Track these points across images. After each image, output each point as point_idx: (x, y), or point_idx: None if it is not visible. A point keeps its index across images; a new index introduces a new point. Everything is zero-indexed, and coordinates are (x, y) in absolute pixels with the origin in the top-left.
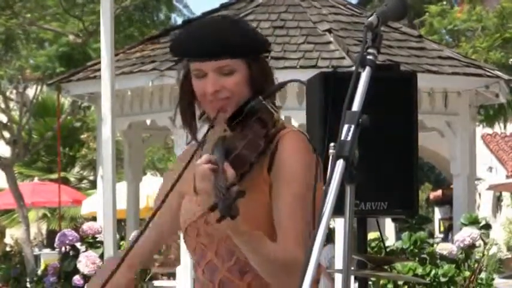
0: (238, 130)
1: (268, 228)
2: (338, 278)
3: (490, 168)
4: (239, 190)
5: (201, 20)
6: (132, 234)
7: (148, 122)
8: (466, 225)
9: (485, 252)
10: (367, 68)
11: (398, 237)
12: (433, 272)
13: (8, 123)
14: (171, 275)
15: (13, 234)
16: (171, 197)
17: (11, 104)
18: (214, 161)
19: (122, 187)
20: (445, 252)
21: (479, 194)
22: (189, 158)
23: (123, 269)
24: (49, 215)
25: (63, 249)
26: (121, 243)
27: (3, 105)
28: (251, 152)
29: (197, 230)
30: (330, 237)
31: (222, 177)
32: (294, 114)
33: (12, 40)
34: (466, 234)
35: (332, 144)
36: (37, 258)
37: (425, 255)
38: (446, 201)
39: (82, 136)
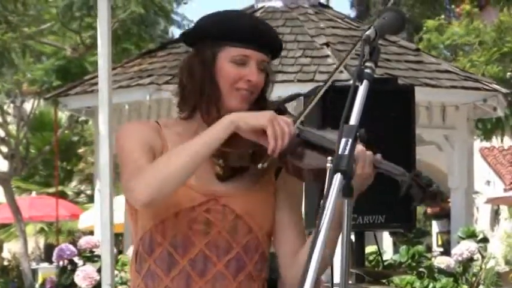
0: None
1: (272, 226)
2: None
3: (488, 182)
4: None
5: (241, 11)
6: (129, 248)
7: None
8: (463, 238)
9: (483, 266)
10: (365, 82)
11: (396, 251)
12: (431, 285)
13: (6, 138)
14: None
15: (11, 248)
16: (148, 153)
17: (8, 118)
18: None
19: (119, 201)
20: (442, 266)
21: (477, 208)
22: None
23: None
24: (47, 229)
25: (60, 263)
26: (119, 257)
27: (0, 120)
28: None
29: (193, 217)
30: None
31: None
32: None
33: (8, 54)
34: (464, 248)
35: (329, 158)
36: (35, 272)
37: (423, 269)
38: (444, 214)
39: (79, 150)
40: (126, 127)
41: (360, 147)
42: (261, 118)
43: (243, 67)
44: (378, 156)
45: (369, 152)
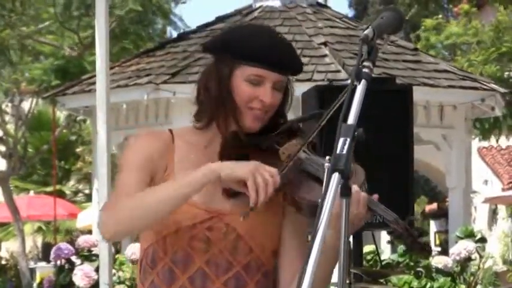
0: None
1: (277, 244)
2: None
3: (486, 182)
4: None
5: (264, 27)
6: (128, 247)
7: None
8: (461, 238)
9: (481, 266)
10: (363, 81)
11: (393, 250)
12: (429, 285)
13: (4, 137)
14: None
15: (8, 247)
16: (142, 176)
17: (7, 117)
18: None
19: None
20: (440, 266)
21: (475, 207)
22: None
23: None
24: (44, 228)
25: (58, 262)
26: (116, 256)
27: None
28: None
29: (194, 234)
30: None
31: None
32: None
33: (8, 51)
34: (461, 248)
35: (327, 157)
36: (32, 271)
37: (420, 269)
38: (441, 214)
39: (77, 149)
40: (136, 139)
41: (355, 187)
42: (242, 169)
43: (258, 87)
44: (375, 197)
45: (364, 194)
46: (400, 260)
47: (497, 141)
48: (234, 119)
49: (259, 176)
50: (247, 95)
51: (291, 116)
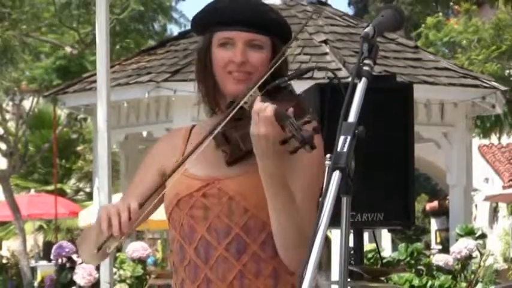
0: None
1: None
2: None
3: (487, 179)
4: (314, 126)
5: None
6: (128, 246)
7: (144, 133)
8: (461, 235)
9: (482, 263)
10: (363, 79)
11: (394, 248)
12: (430, 283)
13: (4, 135)
14: (168, 287)
15: (9, 246)
16: (147, 174)
17: (7, 116)
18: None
19: (118, 198)
20: (441, 264)
21: (476, 205)
22: (187, 135)
23: None
24: (45, 226)
25: (59, 261)
26: (117, 254)
27: None
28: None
29: (192, 203)
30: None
31: (289, 116)
32: None
33: (8, 51)
34: (462, 246)
35: (328, 155)
36: (33, 270)
37: (421, 267)
38: (442, 212)
39: (78, 148)
40: (156, 143)
41: (258, 100)
42: (100, 211)
43: (230, 50)
44: (290, 110)
45: (269, 105)
46: (401, 258)
47: (499, 139)
48: (219, 87)
49: (105, 213)
50: (221, 60)
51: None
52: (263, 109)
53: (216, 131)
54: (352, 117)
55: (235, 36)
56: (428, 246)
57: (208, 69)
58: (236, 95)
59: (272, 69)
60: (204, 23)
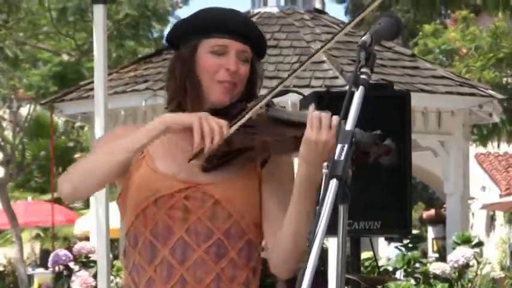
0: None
1: (258, 215)
2: None
3: (484, 188)
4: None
5: (219, 8)
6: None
7: None
8: (458, 244)
9: (479, 272)
10: (361, 88)
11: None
12: None
13: (1, 143)
14: None
15: (6, 253)
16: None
17: (4, 124)
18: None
19: (115, 206)
20: (438, 272)
21: (473, 214)
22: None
23: None
24: (42, 234)
25: (56, 269)
26: (114, 262)
27: None
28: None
29: (172, 203)
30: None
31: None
32: None
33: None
34: (459, 255)
35: (325, 163)
36: (30, 278)
37: (418, 275)
38: (439, 220)
39: (76, 156)
40: (108, 132)
41: (312, 107)
42: (190, 117)
43: (222, 57)
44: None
45: (325, 114)
46: (398, 266)
47: (498, 146)
48: (199, 101)
49: (206, 123)
50: (212, 66)
51: None
52: (327, 117)
53: (262, 103)
54: (349, 125)
55: (230, 45)
56: (425, 254)
57: (194, 75)
58: (220, 105)
59: (296, 71)
60: (197, 30)
